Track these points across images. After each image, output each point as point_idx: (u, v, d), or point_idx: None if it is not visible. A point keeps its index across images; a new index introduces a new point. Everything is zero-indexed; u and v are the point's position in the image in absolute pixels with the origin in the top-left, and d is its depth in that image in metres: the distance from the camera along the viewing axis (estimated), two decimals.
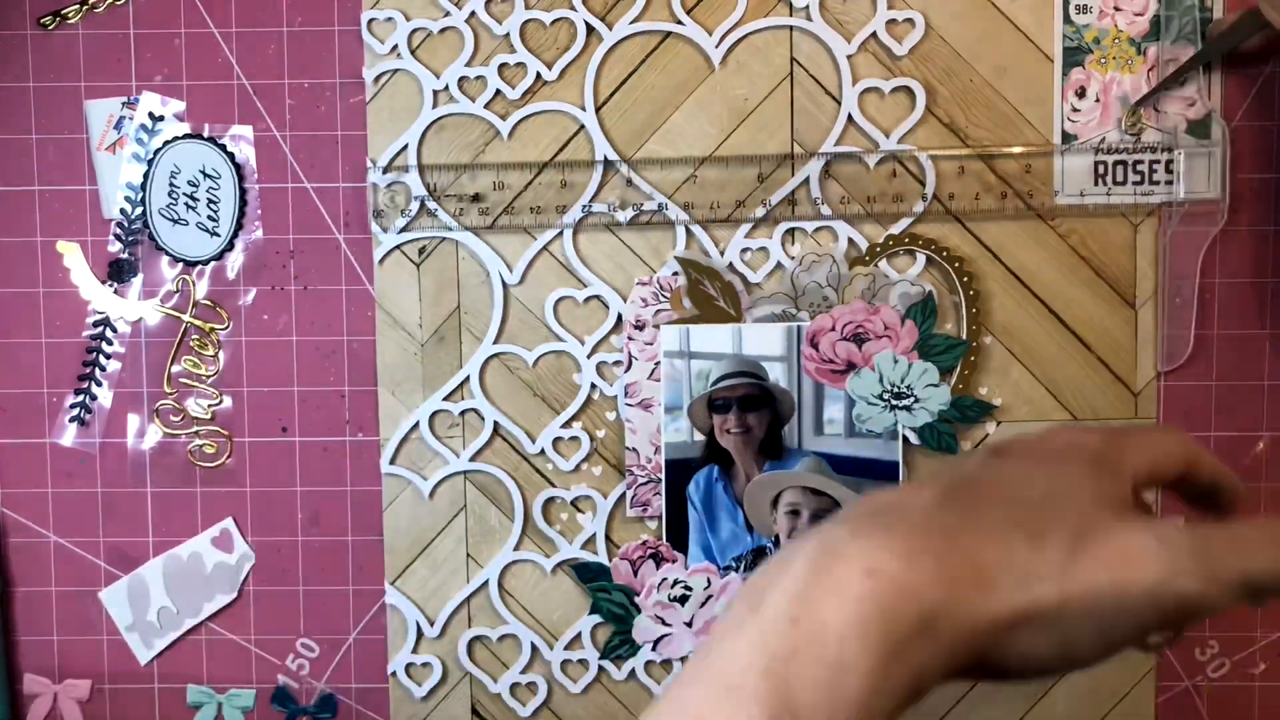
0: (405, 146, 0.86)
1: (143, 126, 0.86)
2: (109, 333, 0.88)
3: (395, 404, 0.87)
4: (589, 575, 0.88)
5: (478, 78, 0.86)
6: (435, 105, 0.86)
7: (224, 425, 0.89)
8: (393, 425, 0.87)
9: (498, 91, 0.86)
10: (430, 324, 0.87)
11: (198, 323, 0.88)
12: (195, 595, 0.89)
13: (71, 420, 0.89)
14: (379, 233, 0.86)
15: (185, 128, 0.87)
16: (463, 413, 0.88)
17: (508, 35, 0.86)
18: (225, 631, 0.89)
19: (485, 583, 0.88)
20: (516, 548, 0.88)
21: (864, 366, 0.85)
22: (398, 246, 0.87)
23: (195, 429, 0.89)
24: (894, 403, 0.85)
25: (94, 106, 0.86)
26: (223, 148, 0.86)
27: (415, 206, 0.86)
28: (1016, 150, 0.85)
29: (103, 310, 0.88)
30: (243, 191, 0.87)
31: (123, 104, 0.86)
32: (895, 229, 0.86)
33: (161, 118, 0.86)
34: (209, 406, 0.89)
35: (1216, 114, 0.85)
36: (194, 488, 0.89)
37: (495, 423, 0.87)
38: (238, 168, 0.87)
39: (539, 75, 0.86)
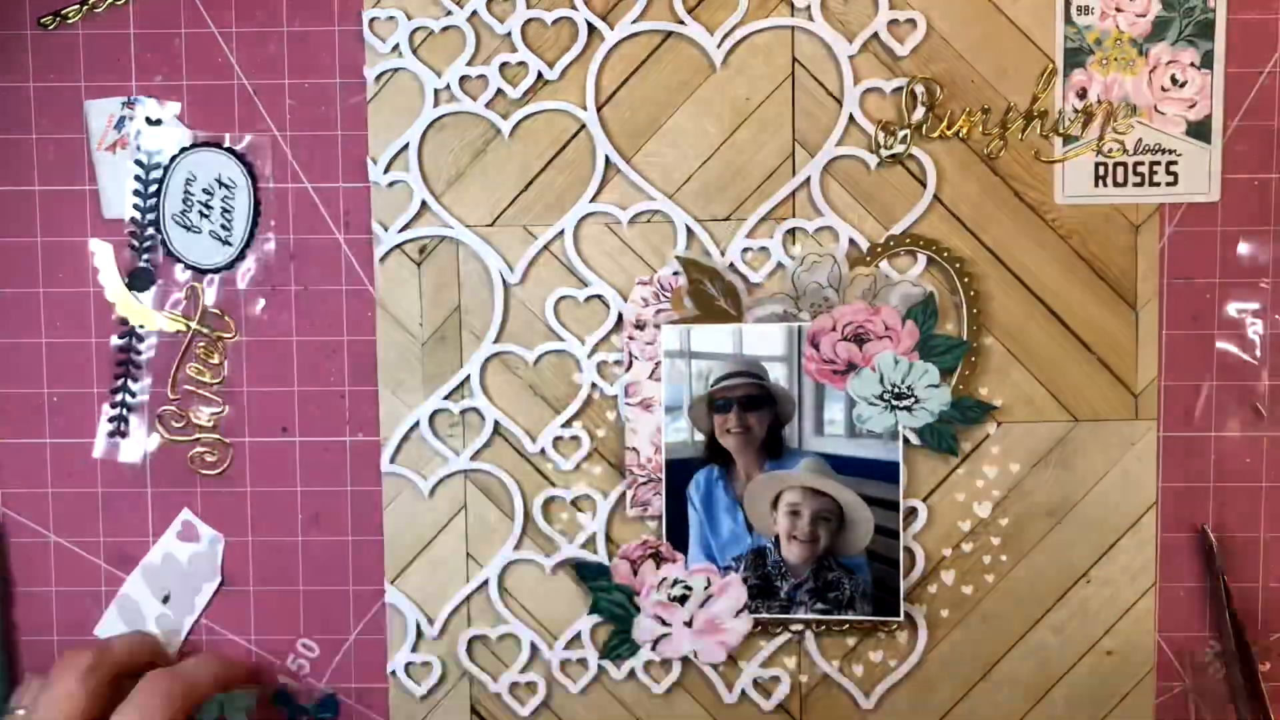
0: (406, 145, 0.86)
1: (146, 120, 0.86)
2: (135, 342, 0.88)
3: (395, 403, 0.87)
4: (589, 575, 0.88)
5: (479, 77, 0.86)
6: (436, 104, 0.86)
7: (225, 427, 0.89)
8: (393, 424, 0.87)
9: (499, 91, 0.86)
10: (431, 323, 0.87)
11: (205, 330, 0.88)
12: (184, 592, 0.89)
13: (111, 436, 0.89)
14: (380, 231, 0.86)
15: (202, 135, 0.86)
16: (463, 412, 0.88)
17: (509, 34, 0.85)
18: (225, 631, 0.90)
19: (485, 582, 0.88)
20: (516, 547, 0.88)
21: (865, 367, 0.85)
22: (398, 246, 0.86)
23: (197, 436, 0.89)
24: (894, 403, 0.85)
25: (94, 106, 0.86)
26: (240, 157, 0.86)
27: (416, 205, 0.86)
28: (1017, 151, 0.85)
29: (129, 319, 0.88)
30: (257, 203, 0.87)
31: (123, 104, 0.86)
32: (896, 229, 0.86)
33: (160, 120, 0.86)
34: (212, 415, 0.89)
35: (1216, 114, 0.85)
36: (194, 488, 0.89)
37: (496, 422, 0.87)
38: (254, 178, 0.87)
39: (540, 74, 0.86)
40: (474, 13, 0.85)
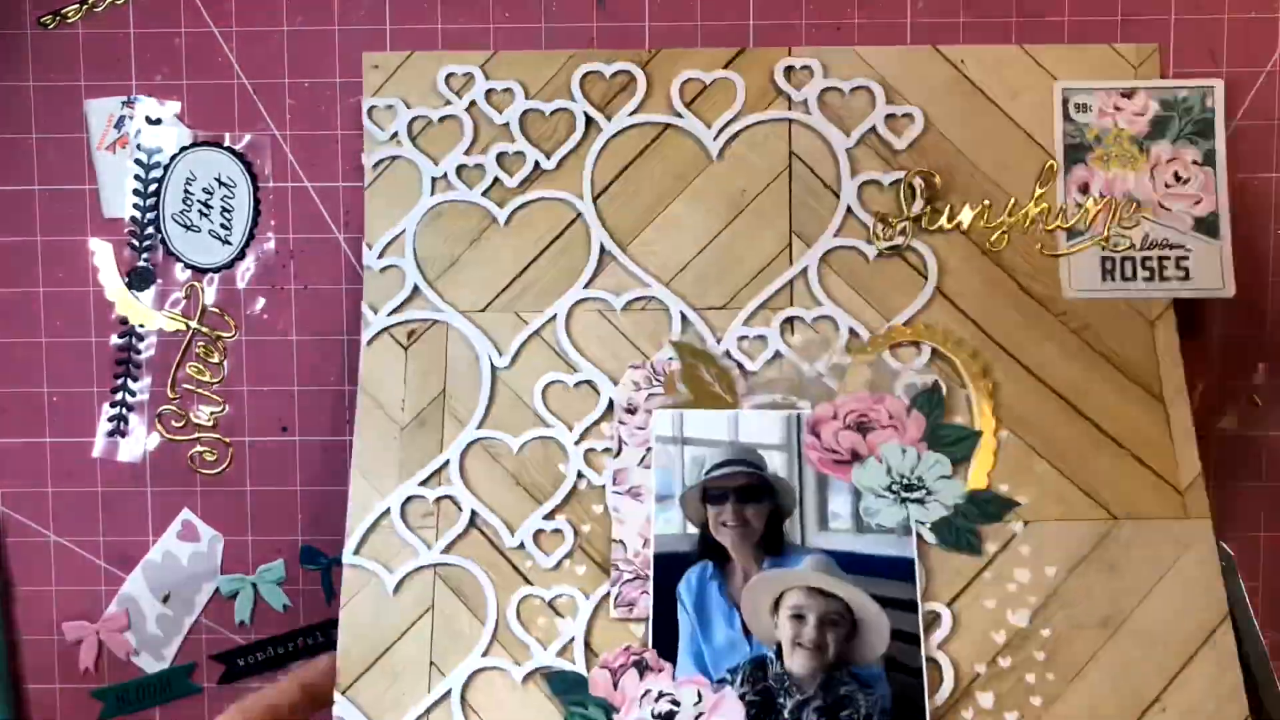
0: (402, 232, 0.86)
1: (146, 119, 0.89)
2: (134, 341, 0.90)
3: (367, 489, 0.82)
4: (563, 686, 0.79)
5: (476, 166, 0.87)
6: (433, 192, 0.87)
7: (225, 427, 0.89)
8: (361, 512, 0.82)
9: (496, 179, 0.87)
10: (413, 408, 0.84)
11: (205, 330, 0.89)
12: (184, 590, 0.90)
13: (110, 435, 0.90)
14: (369, 314, 0.85)
15: (202, 134, 0.90)
16: (438, 500, 0.82)
17: (507, 125, 0.88)
18: (225, 630, 0.89)
19: (447, 692, 0.79)
20: (485, 653, 0.80)
21: (869, 456, 0.80)
22: (386, 329, 0.85)
23: (197, 435, 0.89)
24: (904, 495, 0.79)
25: (94, 106, 0.89)
26: (240, 156, 0.89)
27: (408, 289, 0.85)
28: (1020, 244, 0.84)
29: (128, 318, 0.90)
30: (257, 201, 0.89)
31: (123, 104, 0.89)
32: (898, 319, 0.83)
33: (160, 120, 0.89)
34: (212, 414, 0.89)
35: (1223, 211, 0.84)
36: (194, 488, 0.89)
37: (473, 511, 0.82)
38: (254, 177, 0.89)
39: (538, 164, 0.87)
40: (472, 102, 0.88)
